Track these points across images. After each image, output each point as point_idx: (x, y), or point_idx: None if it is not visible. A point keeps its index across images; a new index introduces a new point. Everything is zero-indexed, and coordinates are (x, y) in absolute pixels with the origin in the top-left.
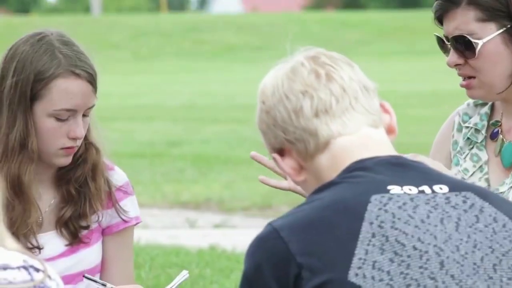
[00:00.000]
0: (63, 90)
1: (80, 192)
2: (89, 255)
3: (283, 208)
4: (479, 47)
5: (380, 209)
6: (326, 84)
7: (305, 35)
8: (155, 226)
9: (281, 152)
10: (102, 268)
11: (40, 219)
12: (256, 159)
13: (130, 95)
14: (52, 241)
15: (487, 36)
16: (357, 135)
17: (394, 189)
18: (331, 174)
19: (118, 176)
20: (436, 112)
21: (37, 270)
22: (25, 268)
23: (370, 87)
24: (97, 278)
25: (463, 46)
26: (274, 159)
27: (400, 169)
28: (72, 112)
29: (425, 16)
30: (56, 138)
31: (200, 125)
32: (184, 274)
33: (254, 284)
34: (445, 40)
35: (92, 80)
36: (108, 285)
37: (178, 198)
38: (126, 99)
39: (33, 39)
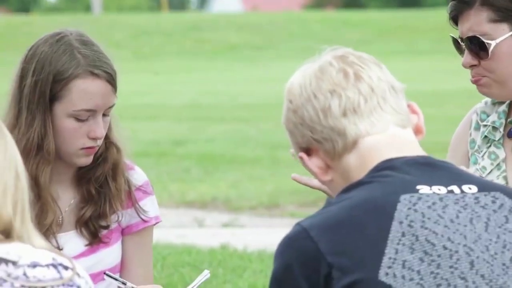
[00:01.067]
0: (82, 91)
1: (100, 191)
2: (109, 255)
3: (290, 207)
4: (491, 47)
5: (409, 208)
6: (355, 83)
7: (306, 34)
8: (164, 225)
9: (308, 151)
10: (122, 268)
11: (60, 219)
12: (298, 181)
13: (133, 94)
14: (72, 240)
15: (500, 36)
16: (385, 135)
17: (423, 189)
18: (359, 173)
19: (138, 175)
20: (437, 111)
21: (66, 268)
22: (54, 266)
23: (398, 87)
24: (117, 276)
25: (477, 47)
26: (301, 158)
27: (428, 169)
28: (92, 112)
29: (426, 16)
30: (76, 138)
31: (204, 124)
32: (205, 274)
33: (284, 284)
34: (459, 41)
35: (111, 79)
36: (128, 283)
37: (184, 198)
38: (128, 98)
39: (53, 39)
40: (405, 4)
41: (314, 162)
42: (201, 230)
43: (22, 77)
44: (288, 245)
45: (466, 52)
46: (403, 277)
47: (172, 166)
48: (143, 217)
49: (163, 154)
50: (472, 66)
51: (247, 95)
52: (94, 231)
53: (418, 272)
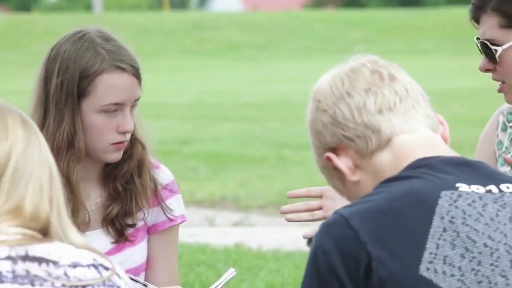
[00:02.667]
0: (109, 85)
1: (126, 188)
2: (135, 254)
3: None
4: (498, 53)
5: (450, 204)
6: (390, 83)
7: (308, 33)
8: None
9: (335, 151)
10: (147, 267)
11: (87, 218)
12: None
13: None
14: (98, 239)
15: (507, 42)
16: (418, 135)
17: (463, 187)
18: (392, 172)
19: (164, 174)
20: (439, 110)
21: (107, 268)
22: (94, 266)
23: (426, 97)
24: (139, 278)
25: (488, 51)
26: (328, 159)
27: (465, 168)
28: (120, 106)
29: (427, 15)
30: (106, 134)
31: (209, 124)
32: (231, 272)
33: (321, 272)
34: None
35: (136, 72)
36: (150, 285)
37: (193, 197)
38: None
39: (74, 37)
40: (406, 4)
41: (343, 162)
42: (213, 229)
43: (46, 78)
44: (327, 234)
45: (483, 56)
46: (444, 272)
47: (179, 165)
48: (169, 215)
49: (169, 153)
50: (488, 71)
51: (251, 94)
52: (120, 229)
53: (459, 268)
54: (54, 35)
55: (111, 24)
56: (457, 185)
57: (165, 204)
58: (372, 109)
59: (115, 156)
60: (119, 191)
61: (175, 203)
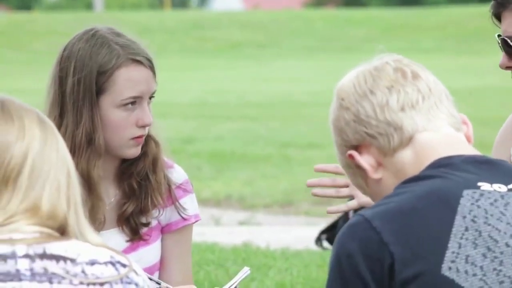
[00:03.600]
0: (127, 79)
1: (141, 186)
2: (149, 253)
3: (304, 205)
4: None
5: (472, 204)
6: (413, 81)
7: (309, 32)
8: None
9: (358, 149)
10: (161, 266)
11: (102, 217)
12: (315, 185)
13: None
14: (113, 238)
15: None
16: (440, 133)
17: (484, 186)
18: (414, 170)
19: (177, 174)
20: None
21: (124, 266)
22: (112, 263)
23: (450, 97)
24: (152, 277)
25: (509, 49)
26: (351, 156)
27: (487, 167)
28: (138, 99)
29: (429, 14)
30: (125, 129)
31: (212, 122)
32: (245, 271)
33: (345, 274)
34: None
35: (151, 65)
36: (163, 284)
37: (198, 195)
38: None
39: (86, 35)
40: (406, 3)
41: (365, 159)
42: (219, 228)
43: (61, 77)
44: (350, 235)
45: (503, 53)
46: (466, 272)
47: (183, 164)
48: (183, 215)
49: (173, 152)
50: (508, 68)
51: (252, 93)
52: (135, 228)
53: (481, 267)
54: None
55: (112, 23)
56: (479, 184)
57: (179, 203)
58: (395, 106)
59: (134, 151)
60: (134, 188)
61: (189, 203)
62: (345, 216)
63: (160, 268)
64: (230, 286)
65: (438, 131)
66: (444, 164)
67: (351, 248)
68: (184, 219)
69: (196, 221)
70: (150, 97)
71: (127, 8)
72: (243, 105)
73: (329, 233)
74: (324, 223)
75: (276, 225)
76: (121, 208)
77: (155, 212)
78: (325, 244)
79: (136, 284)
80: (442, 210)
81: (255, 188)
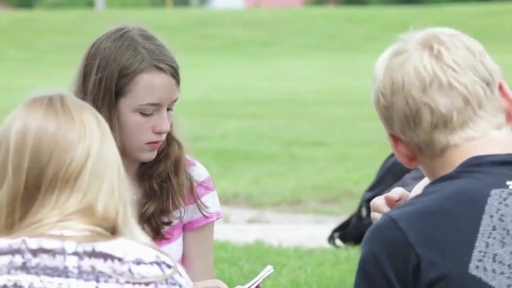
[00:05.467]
0: (148, 85)
1: (162, 187)
2: (171, 251)
3: (312, 203)
4: None
5: (500, 203)
6: (448, 94)
7: (311, 30)
8: None
9: (396, 138)
10: (183, 264)
11: None
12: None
13: None
14: None
15: None
16: (479, 139)
17: None
18: (446, 170)
19: (199, 171)
20: None
21: (169, 266)
22: (157, 263)
23: (492, 80)
24: None
25: None
26: (390, 141)
27: None
28: (157, 106)
29: (430, 13)
30: (141, 133)
31: (217, 120)
32: (269, 269)
33: (371, 274)
34: None
35: (175, 73)
36: None
37: None
38: None
39: (115, 35)
40: (408, 1)
41: (401, 150)
42: (228, 226)
43: (85, 74)
44: (376, 236)
45: None
46: (493, 270)
47: None
48: (204, 213)
49: None
50: None
51: (256, 91)
52: (156, 227)
53: (509, 266)
54: (57, 32)
55: (114, 21)
56: (508, 183)
57: (201, 201)
58: (427, 126)
59: (149, 155)
60: (155, 189)
61: (211, 200)
62: (358, 214)
63: (182, 266)
64: (254, 284)
65: (474, 140)
66: (474, 164)
67: (376, 248)
68: (206, 217)
69: (218, 219)
70: (168, 108)
71: (128, 6)
72: (247, 103)
73: (342, 231)
74: (333, 221)
75: (286, 223)
76: (142, 208)
77: (177, 213)
78: (338, 242)
79: (180, 286)
80: (469, 209)
81: (262, 186)
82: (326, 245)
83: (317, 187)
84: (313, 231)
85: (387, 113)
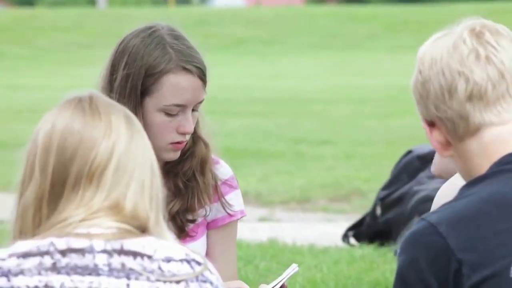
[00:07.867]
0: (174, 86)
1: (188, 186)
2: (195, 249)
3: (321, 201)
4: None
5: None
6: (484, 66)
7: (313, 29)
8: None
9: (431, 124)
10: None
11: None
12: None
13: None
14: None
15: None
16: (510, 126)
17: None
18: (481, 161)
19: (223, 169)
20: None
21: (199, 263)
22: (187, 261)
23: None
24: None
25: None
26: (425, 129)
27: None
28: (182, 107)
29: (433, 10)
30: (165, 133)
31: (222, 119)
32: (294, 268)
33: (410, 280)
34: None
35: (202, 75)
36: None
37: None
38: None
39: (144, 33)
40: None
41: (435, 137)
42: (240, 225)
43: (113, 70)
44: (416, 241)
45: None
46: None
47: None
48: (228, 211)
49: None
50: None
51: (260, 90)
52: (181, 225)
53: None
54: (58, 30)
55: (116, 19)
56: None
57: (225, 199)
58: (462, 95)
59: (172, 155)
60: (180, 187)
61: (235, 199)
62: (372, 212)
63: None
64: (279, 283)
65: (509, 123)
66: (509, 162)
67: (416, 254)
68: (230, 215)
69: (242, 217)
70: (194, 109)
71: (130, 4)
72: (251, 102)
73: (356, 229)
74: (344, 219)
75: (297, 222)
76: (167, 206)
77: (202, 212)
78: (352, 240)
79: (211, 283)
80: (508, 212)
81: (271, 185)
82: (340, 243)
83: (326, 185)
84: (325, 230)
85: (423, 90)
